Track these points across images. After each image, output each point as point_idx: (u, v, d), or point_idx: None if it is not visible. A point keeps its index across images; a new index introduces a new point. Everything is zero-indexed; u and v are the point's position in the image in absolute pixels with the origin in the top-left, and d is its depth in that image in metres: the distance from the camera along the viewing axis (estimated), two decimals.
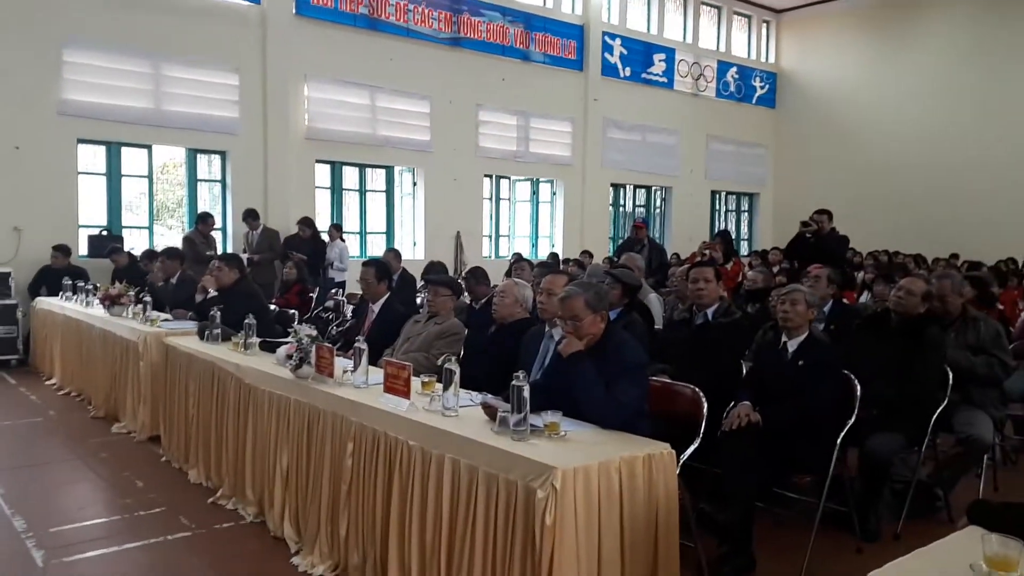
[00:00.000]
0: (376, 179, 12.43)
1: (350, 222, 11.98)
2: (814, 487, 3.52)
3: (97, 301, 6.79)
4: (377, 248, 11.93)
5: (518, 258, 8.78)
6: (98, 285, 7.34)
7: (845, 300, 5.94)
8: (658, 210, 16.46)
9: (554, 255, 12.20)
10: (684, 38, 16.43)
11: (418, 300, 7.43)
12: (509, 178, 14.02)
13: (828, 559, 3.45)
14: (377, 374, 3.49)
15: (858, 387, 3.57)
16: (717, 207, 17.61)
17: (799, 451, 3.45)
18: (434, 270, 7.13)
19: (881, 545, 3.67)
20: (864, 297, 8.44)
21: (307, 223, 10.16)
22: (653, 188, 16.29)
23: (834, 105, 16.90)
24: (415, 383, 3.24)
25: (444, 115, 12.37)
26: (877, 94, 16.10)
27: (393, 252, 8.59)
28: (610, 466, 2.55)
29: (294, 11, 10.80)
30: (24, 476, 4.68)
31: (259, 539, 3.72)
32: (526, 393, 2.70)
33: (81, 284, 7.49)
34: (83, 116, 9.25)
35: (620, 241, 13.16)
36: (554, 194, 14.50)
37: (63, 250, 8.80)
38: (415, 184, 12.56)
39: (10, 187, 8.75)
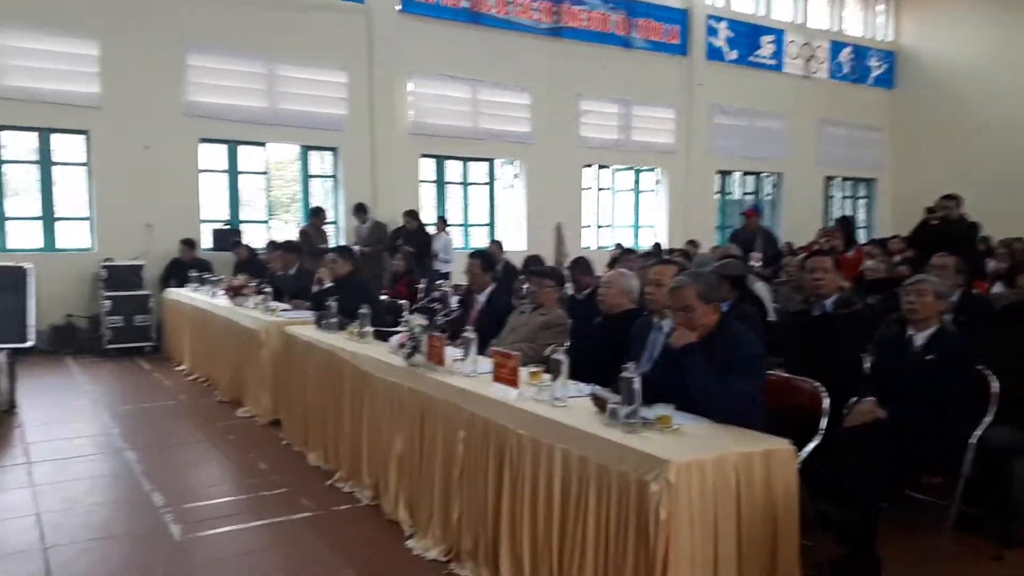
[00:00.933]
0: (478, 171, 12.59)
1: (453, 214, 12.18)
2: (944, 488, 3.32)
3: (221, 292, 7.20)
4: (479, 240, 12.09)
5: (622, 248, 8.69)
6: (222, 277, 7.79)
7: (976, 290, 5.56)
8: (768, 197, 15.90)
9: (657, 245, 12.01)
10: (794, 18, 15.76)
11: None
12: (610, 167, 13.88)
13: (963, 565, 3.25)
14: (485, 363, 3.54)
15: (994, 383, 3.34)
16: (831, 194, 16.84)
17: (928, 450, 3.27)
18: (533, 263, 7.15)
19: (1021, 552, 3.42)
20: (997, 287, 7.88)
21: (413, 215, 10.41)
22: (762, 174, 15.75)
23: (959, 84, 15.79)
24: (522, 373, 3.26)
25: (544, 106, 12.38)
26: (1008, 72, 14.93)
27: (496, 243, 8.70)
28: (726, 461, 2.49)
29: (398, 7, 11.06)
30: (160, 455, 5.03)
31: (375, 521, 3.85)
32: (637, 385, 2.67)
33: (207, 276, 7.95)
34: (205, 116, 9.82)
35: (728, 230, 12.80)
36: (657, 182, 14.26)
37: (190, 243, 9.39)
38: (516, 176, 12.64)
39: (141, 186, 9.38)
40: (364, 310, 4.82)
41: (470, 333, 3.74)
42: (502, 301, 5.40)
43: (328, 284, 6.32)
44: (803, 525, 2.71)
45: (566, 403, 3.00)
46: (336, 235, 10.92)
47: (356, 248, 9.35)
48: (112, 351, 8.64)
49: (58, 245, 9.30)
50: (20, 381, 6.33)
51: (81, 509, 4.05)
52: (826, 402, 3.13)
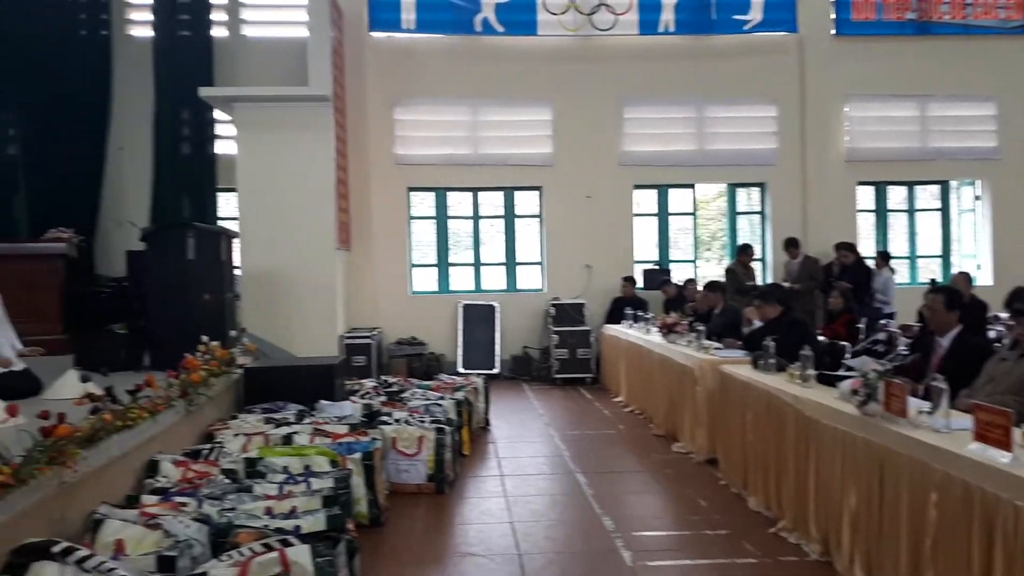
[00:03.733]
0: (926, 196, 11.20)
1: (896, 244, 11.01)
2: None
3: (655, 329, 7.54)
4: (927, 274, 10.70)
5: None
6: (652, 315, 8.18)
7: None
8: None
9: None
10: None
11: (991, 333, 6.41)
12: None
13: None
14: (959, 418, 3.09)
15: None
16: None
17: None
18: (1019, 299, 6.04)
19: None
20: None
21: (849, 248, 9.67)
22: None
23: None
24: (1015, 433, 2.75)
25: (1018, 116, 10.52)
26: None
27: (963, 276, 7.59)
28: None
29: (833, 32, 10.52)
30: (606, 481, 5.41)
31: None
32: None
33: (640, 313, 8.41)
34: (638, 164, 10.50)
35: None
36: None
37: (630, 281, 10.09)
38: (978, 198, 10.93)
39: (583, 231, 10.38)
40: (806, 351, 4.58)
41: (939, 382, 3.30)
42: (972, 345, 4.67)
43: (756, 324, 6.19)
44: None
45: None
46: (763, 272, 10.69)
47: (786, 285, 9.03)
48: (559, 380, 9.65)
49: (518, 286, 10.76)
50: (491, 403, 7.39)
51: (545, 523, 4.55)
52: None
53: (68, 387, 4.99)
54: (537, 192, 10.67)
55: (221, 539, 3.18)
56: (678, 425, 6.37)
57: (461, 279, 10.79)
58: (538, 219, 10.73)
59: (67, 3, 9.92)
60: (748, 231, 11.07)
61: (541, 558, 3.97)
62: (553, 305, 10.15)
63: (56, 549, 2.70)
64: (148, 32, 10.06)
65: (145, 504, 3.52)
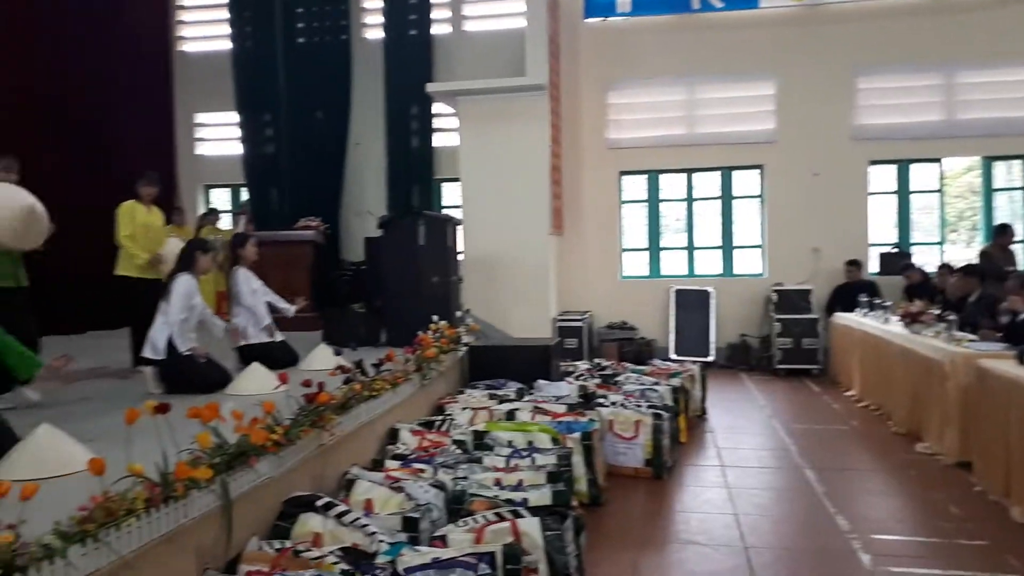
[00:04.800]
0: None
1: None
2: None
3: (896, 318, 6.89)
4: None
5: None
6: (890, 302, 7.48)
7: None
8: None
9: None
10: None
11: None
12: None
13: None
14: None
15: None
16: None
17: None
18: None
19: None
20: None
21: None
22: None
23: None
24: None
25: None
26: None
27: None
28: None
29: None
30: (838, 478, 5.04)
31: None
32: None
33: (878, 301, 7.73)
34: (874, 138, 9.62)
35: None
36: None
37: (855, 264, 9.32)
38: None
39: (809, 211, 9.72)
40: None
41: None
42: None
43: (1023, 316, 5.43)
44: None
45: None
46: None
47: None
48: (781, 370, 9.15)
49: (735, 271, 10.33)
50: (707, 391, 7.17)
51: (772, 517, 4.34)
52: None
53: (321, 359, 5.56)
54: (758, 171, 10.15)
55: (456, 505, 3.38)
56: (922, 424, 5.79)
57: (673, 263, 10.56)
58: (758, 199, 10.22)
59: (313, 14, 10.96)
60: (1008, 210, 9.76)
61: (768, 553, 3.79)
62: (775, 291, 9.62)
63: (319, 503, 3.01)
64: (379, 34, 10.86)
65: (388, 468, 3.83)
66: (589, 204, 10.30)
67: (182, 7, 11.65)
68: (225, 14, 11.25)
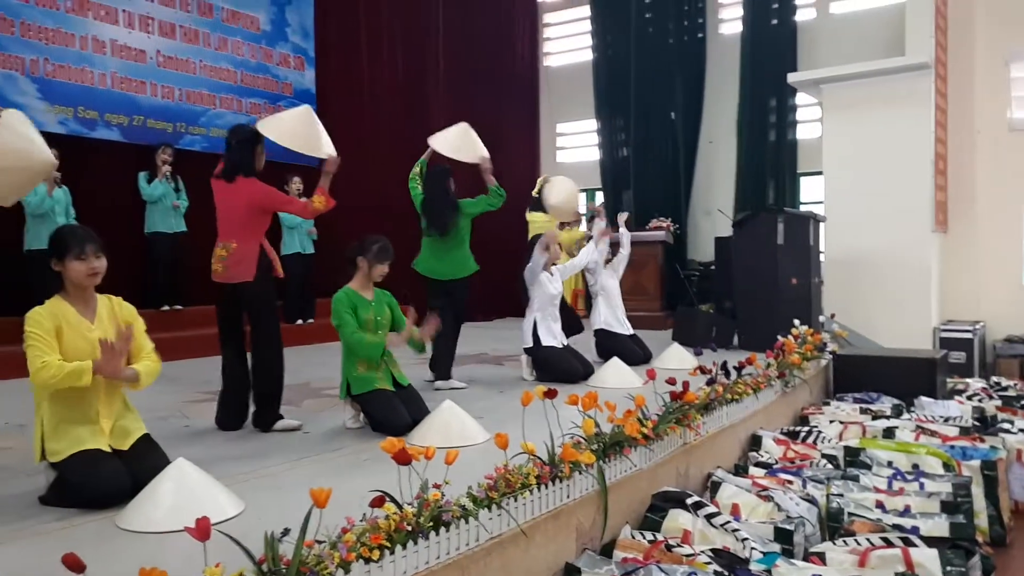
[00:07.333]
0: None
1: None
2: None
3: None
4: None
5: None
6: None
7: None
8: None
9: None
10: None
11: None
12: None
13: None
14: None
15: None
16: None
17: None
18: None
19: None
20: None
21: None
22: None
23: None
24: None
25: None
26: None
27: None
28: None
29: None
30: None
31: None
32: None
33: None
34: None
35: None
36: None
37: None
38: None
39: None
40: None
41: None
42: None
43: None
44: None
45: None
46: None
47: None
48: None
49: None
50: None
51: None
52: None
53: (674, 357, 5.58)
54: None
55: (833, 524, 3.14)
56: None
57: None
58: None
59: (669, 15, 11.04)
60: None
61: None
62: None
63: (689, 501, 3.01)
64: (737, 28, 10.55)
65: (754, 475, 3.70)
66: (983, 196, 8.86)
67: (547, 24, 12.59)
68: (586, 27, 11.88)
